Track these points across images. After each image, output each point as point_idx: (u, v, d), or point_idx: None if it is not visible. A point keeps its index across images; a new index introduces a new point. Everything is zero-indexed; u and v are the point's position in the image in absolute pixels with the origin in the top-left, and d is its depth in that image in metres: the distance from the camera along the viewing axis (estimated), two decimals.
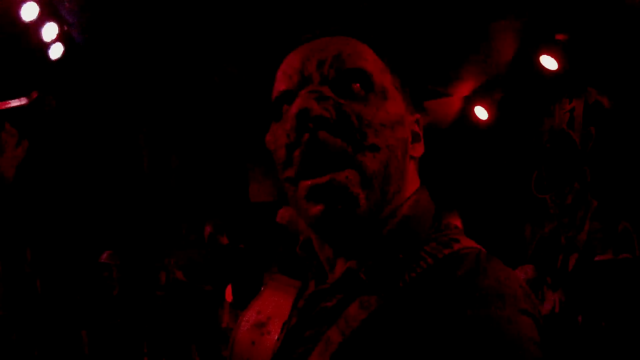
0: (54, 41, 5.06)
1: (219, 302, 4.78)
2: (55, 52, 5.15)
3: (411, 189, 0.89)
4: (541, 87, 5.34)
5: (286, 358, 0.87)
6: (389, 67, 0.89)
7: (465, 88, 5.73)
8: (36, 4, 4.77)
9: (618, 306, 4.32)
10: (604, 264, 4.62)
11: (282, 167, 0.85)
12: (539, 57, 4.82)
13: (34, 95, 1.13)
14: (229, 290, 4.73)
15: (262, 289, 1.95)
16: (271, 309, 1.83)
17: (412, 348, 0.71)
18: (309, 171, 0.81)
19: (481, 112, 5.80)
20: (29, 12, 4.80)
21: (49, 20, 4.96)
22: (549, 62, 4.81)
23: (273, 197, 5.94)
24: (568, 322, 4.77)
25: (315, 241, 0.92)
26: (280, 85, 0.87)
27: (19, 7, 4.72)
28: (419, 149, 0.92)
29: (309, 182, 0.81)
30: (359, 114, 0.81)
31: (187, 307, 4.88)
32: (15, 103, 1.12)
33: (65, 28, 5.13)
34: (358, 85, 0.83)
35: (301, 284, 1.06)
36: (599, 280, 4.62)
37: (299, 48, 0.88)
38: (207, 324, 4.66)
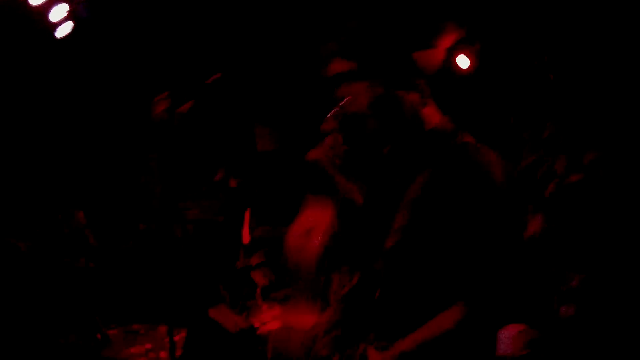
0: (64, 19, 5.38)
1: (236, 245, 5.20)
2: (64, 29, 5.46)
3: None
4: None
5: None
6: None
7: (448, 40, 6.20)
8: None
9: (591, 225, 4.93)
10: (577, 188, 5.18)
11: None
12: None
13: (219, 75, 1.70)
14: (245, 233, 5.17)
15: (302, 207, 2.50)
16: (312, 221, 2.38)
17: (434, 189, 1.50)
18: None
19: (463, 61, 6.28)
20: None
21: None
22: None
23: (276, 146, 6.62)
24: (549, 241, 5.37)
25: None
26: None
27: None
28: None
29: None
30: None
31: (206, 250, 5.30)
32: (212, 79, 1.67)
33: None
34: None
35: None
36: (574, 204, 5.19)
37: None
38: (228, 264, 5.10)
